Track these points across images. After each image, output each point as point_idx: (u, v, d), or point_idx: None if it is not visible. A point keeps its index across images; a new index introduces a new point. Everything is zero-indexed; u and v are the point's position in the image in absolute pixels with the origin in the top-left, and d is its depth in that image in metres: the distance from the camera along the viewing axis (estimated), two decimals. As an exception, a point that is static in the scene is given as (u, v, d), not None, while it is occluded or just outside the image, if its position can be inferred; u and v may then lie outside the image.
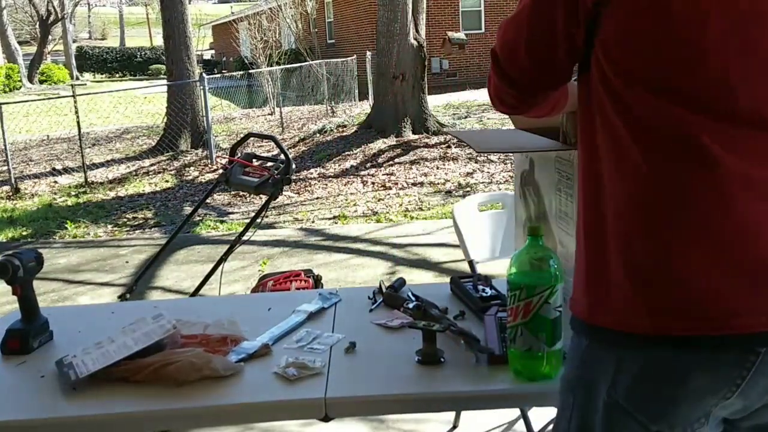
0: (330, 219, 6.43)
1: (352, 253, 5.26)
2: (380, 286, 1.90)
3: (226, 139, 11.37)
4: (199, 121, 10.53)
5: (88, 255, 5.67)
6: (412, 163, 8.61)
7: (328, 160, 9.19)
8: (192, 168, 9.56)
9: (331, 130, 10.87)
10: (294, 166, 3.00)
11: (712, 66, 0.93)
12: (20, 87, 25.43)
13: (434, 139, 9.61)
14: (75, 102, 9.04)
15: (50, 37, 31.76)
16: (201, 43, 26.96)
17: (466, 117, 12.01)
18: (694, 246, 0.94)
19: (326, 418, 1.37)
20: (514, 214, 2.48)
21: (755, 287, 0.93)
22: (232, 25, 23.89)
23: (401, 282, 1.95)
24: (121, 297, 3.05)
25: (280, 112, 13.22)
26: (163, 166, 9.80)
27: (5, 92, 23.55)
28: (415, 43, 9.94)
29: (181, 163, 9.90)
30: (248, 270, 4.83)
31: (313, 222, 6.36)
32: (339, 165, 8.87)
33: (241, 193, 7.45)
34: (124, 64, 33.61)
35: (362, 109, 13.27)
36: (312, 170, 8.75)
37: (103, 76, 33.39)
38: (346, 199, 7.22)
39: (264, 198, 2.93)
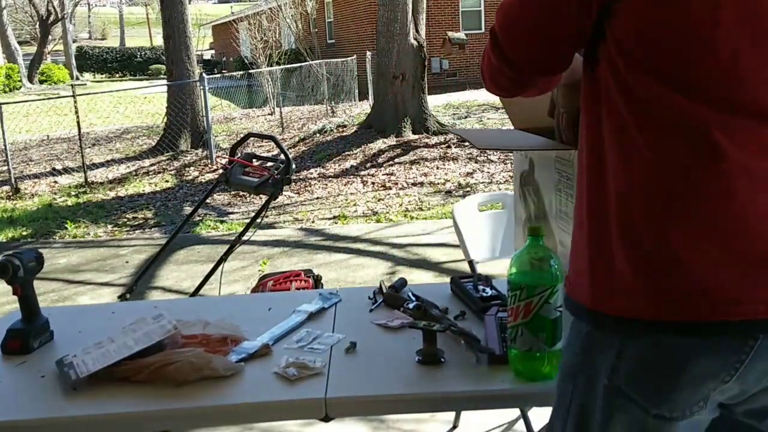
0: (330, 219, 6.43)
1: (352, 253, 5.26)
2: (380, 286, 1.90)
3: (226, 139, 11.37)
4: (199, 121, 10.53)
5: (88, 255, 5.67)
6: (412, 163, 8.61)
7: (328, 160, 9.19)
8: (192, 168, 9.56)
9: (331, 130, 10.87)
10: (294, 166, 3.00)
11: (723, 58, 0.94)
12: (20, 87, 25.43)
13: (434, 139, 9.61)
14: (75, 102, 9.04)
15: (50, 37, 31.76)
16: (201, 43, 26.96)
17: (466, 117, 12.01)
18: (697, 234, 0.95)
19: (326, 418, 1.37)
20: (513, 214, 2.48)
21: (756, 276, 0.95)
22: (232, 25, 23.89)
23: (402, 282, 1.95)
24: (121, 297, 3.05)
25: (280, 112, 13.22)
26: (163, 166, 9.80)
27: (5, 92, 23.55)
28: (415, 43, 9.94)
29: (181, 163, 9.90)
30: (248, 270, 4.83)
31: (313, 222, 6.36)
32: (339, 165, 8.87)
33: (241, 193, 7.45)
34: (124, 64, 33.62)
35: (362, 109, 13.27)
36: (312, 170, 8.75)
37: (103, 76, 33.39)
38: (346, 199, 7.22)
39: (264, 198, 2.93)
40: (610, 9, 0.98)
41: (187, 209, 7.25)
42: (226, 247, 3.01)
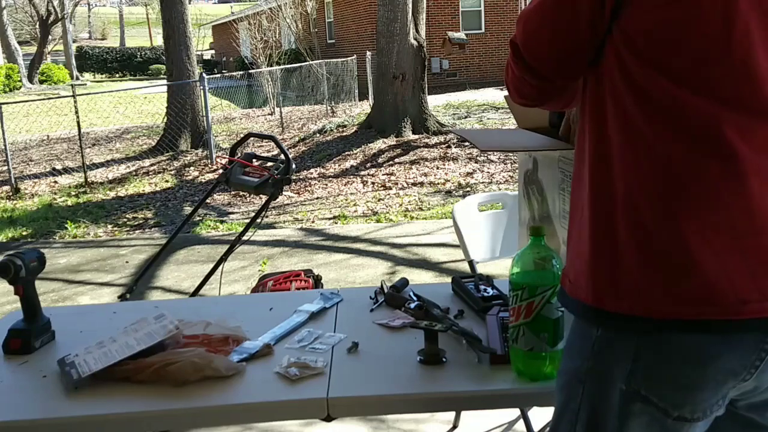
0: (330, 219, 6.43)
1: (352, 253, 5.26)
2: (382, 285, 1.90)
3: (226, 139, 11.37)
4: (199, 121, 10.53)
5: (88, 255, 5.67)
6: (412, 163, 8.61)
7: (328, 160, 9.19)
8: (192, 168, 9.56)
9: (331, 130, 10.87)
10: (294, 166, 3.00)
11: (737, 57, 0.94)
12: (20, 87, 25.43)
13: (434, 139, 9.61)
14: (75, 102, 9.03)
15: (50, 37, 31.76)
16: (201, 43, 26.96)
17: (466, 117, 12.01)
18: (710, 232, 0.95)
19: (328, 418, 1.37)
20: (514, 214, 2.48)
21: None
22: (232, 25, 23.90)
23: (404, 282, 1.94)
24: (121, 297, 3.05)
25: (280, 112, 13.22)
26: (163, 166, 9.80)
27: (5, 92, 23.55)
28: (415, 43, 9.94)
29: (181, 163, 9.90)
30: (248, 270, 4.83)
31: (313, 222, 6.36)
32: (339, 165, 8.87)
33: (241, 193, 7.45)
34: (124, 64, 33.62)
35: (362, 109, 13.28)
36: (312, 170, 8.75)
37: (103, 76, 33.39)
38: (346, 199, 7.22)
39: (264, 198, 2.93)
40: (618, 7, 0.98)
41: (187, 209, 7.25)
42: (226, 247, 3.01)
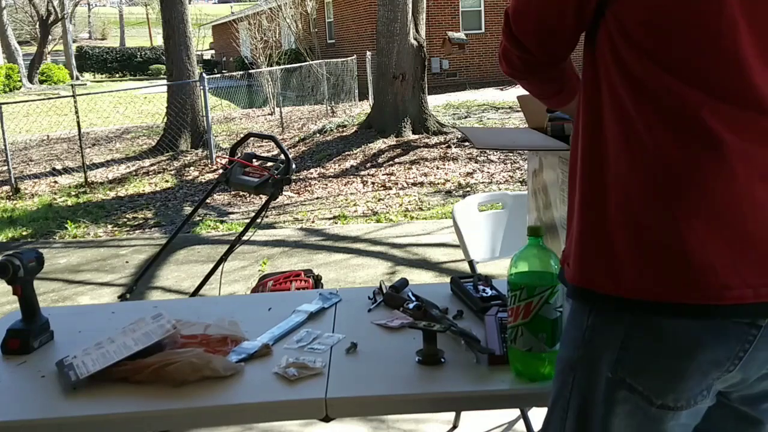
0: (330, 219, 6.43)
1: (352, 253, 5.26)
2: (381, 286, 1.90)
3: (226, 139, 11.38)
4: (199, 121, 10.53)
5: (88, 255, 5.67)
6: (412, 163, 8.61)
7: (328, 160, 9.19)
8: (192, 168, 9.56)
9: (331, 130, 10.87)
10: (294, 166, 3.00)
11: (725, 47, 0.95)
12: (20, 87, 25.44)
13: (434, 139, 9.61)
14: (75, 102, 9.04)
15: (50, 37, 31.77)
16: (201, 43, 26.97)
17: (466, 117, 12.01)
18: (699, 217, 0.96)
19: (327, 419, 1.37)
20: (514, 214, 2.48)
21: (759, 262, 0.96)
22: (232, 25, 23.90)
23: (404, 282, 1.94)
24: (121, 297, 3.05)
25: (280, 112, 13.23)
26: (163, 166, 9.80)
27: (5, 92, 23.55)
28: (415, 43, 9.94)
29: (181, 163, 9.90)
30: (248, 270, 4.83)
31: (313, 222, 6.36)
32: (339, 165, 8.88)
33: (241, 193, 7.46)
34: (124, 64, 33.63)
35: (362, 109, 13.28)
36: (312, 170, 8.75)
37: (103, 76, 33.40)
38: (346, 199, 7.22)
39: (264, 198, 2.93)
40: None
41: (187, 209, 7.25)
42: (226, 247, 3.01)
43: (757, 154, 0.96)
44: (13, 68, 25.65)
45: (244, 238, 3.02)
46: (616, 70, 1.01)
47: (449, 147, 9.10)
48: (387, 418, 2.66)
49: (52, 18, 30.37)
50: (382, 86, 10.19)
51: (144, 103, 15.09)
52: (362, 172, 8.40)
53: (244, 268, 4.89)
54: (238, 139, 3.36)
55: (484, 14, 18.48)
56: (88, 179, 8.95)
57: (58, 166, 9.88)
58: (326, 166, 8.87)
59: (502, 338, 1.48)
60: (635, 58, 0.99)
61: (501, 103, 13.43)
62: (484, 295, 1.78)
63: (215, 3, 59.28)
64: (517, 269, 1.34)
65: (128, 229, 6.60)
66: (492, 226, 2.64)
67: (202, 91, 9.91)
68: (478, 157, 8.45)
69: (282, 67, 14.92)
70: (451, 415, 2.62)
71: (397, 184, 7.75)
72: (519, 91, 1.44)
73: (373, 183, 7.89)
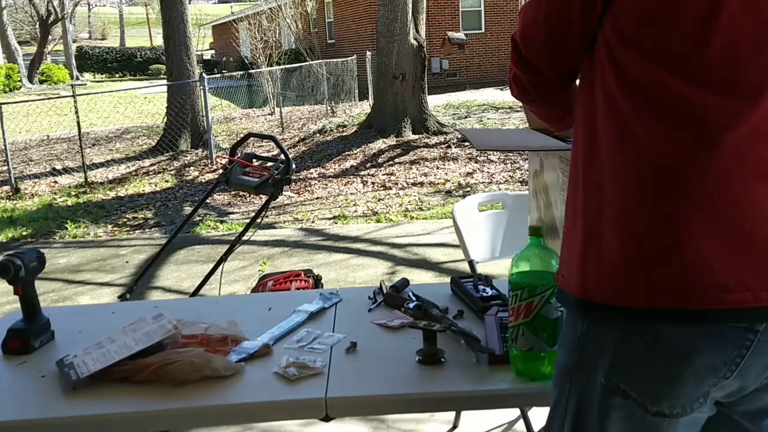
0: (330, 219, 6.43)
1: (352, 253, 5.26)
2: (381, 286, 1.90)
3: (226, 139, 11.38)
4: (199, 121, 10.53)
5: (88, 255, 5.67)
6: (412, 163, 8.61)
7: (328, 160, 9.19)
8: (192, 168, 9.56)
9: (331, 130, 10.87)
10: (294, 166, 3.00)
11: (723, 42, 0.94)
12: (20, 87, 25.44)
13: (434, 139, 9.62)
14: (75, 102, 9.04)
15: (50, 37, 31.77)
16: (201, 43, 26.98)
17: (466, 117, 12.01)
18: (694, 221, 0.95)
19: (327, 418, 1.37)
20: (514, 214, 2.48)
21: (758, 263, 0.94)
22: (232, 25, 23.91)
23: (404, 282, 1.94)
24: (121, 297, 3.05)
25: (280, 112, 13.23)
26: (163, 166, 9.80)
27: (5, 92, 23.55)
28: (415, 43, 9.94)
29: (181, 163, 9.90)
30: (248, 270, 4.83)
31: (313, 222, 6.36)
32: (339, 165, 8.88)
33: (241, 193, 7.46)
34: (124, 64, 33.63)
35: (362, 109, 13.28)
36: (312, 170, 8.75)
37: (103, 76, 33.40)
38: (346, 199, 7.22)
39: (264, 198, 2.93)
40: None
41: (187, 209, 7.25)
42: (226, 247, 3.01)
43: (755, 152, 0.95)
44: (13, 68, 25.65)
45: (244, 238, 3.02)
46: (611, 73, 1.00)
47: (449, 147, 9.10)
48: (387, 418, 2.66)
49: (52, 18, 30.37)
50: (382, 86, 10.19)
51: (144, 103, 15.09)
52: (362, 172, 8.40)
53: (244, 268, 4.89)
54: (238, 139, 3.37)
55: (484, 14, 18.48)
56: (88, 179, 8.95)
57: (58, 166, 9.89)
58: (326, 166, 8.87)
59: (503, 338, 1.48)
60: (631, 59, 0.98)
61: (501, 103, 13.43)
62: (485, 294, 1.78)
63: (215, 3, 59.30)
64: (518, 269, 1.34)
65: (128, 229, 6.60)
66: (492, 226, 2.64)
67: (202, 91, 9.92)
68: (478, 157, 8.45)
69: (282, 67, 14.93)
70: (451, 415, 2.62)
71: (397, 184, 7.75)
72: None
73: (373, 183, 7.89)
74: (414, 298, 1.79)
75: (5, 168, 8.81)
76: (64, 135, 12.40)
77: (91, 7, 49.82)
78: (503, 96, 14.59)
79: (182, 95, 10.48)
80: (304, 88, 15.24)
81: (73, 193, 8.44)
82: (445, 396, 1.41)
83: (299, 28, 18.61)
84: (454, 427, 2.60)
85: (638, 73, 0.98)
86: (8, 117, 9.24)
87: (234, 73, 17.77)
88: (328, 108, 13.80)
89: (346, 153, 9.38)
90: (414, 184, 7.69)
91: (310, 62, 15.04)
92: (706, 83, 0.95)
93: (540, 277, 1.32)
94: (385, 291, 1.87)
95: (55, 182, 9.15)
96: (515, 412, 2.50)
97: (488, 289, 1.81)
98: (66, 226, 6.63)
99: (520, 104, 1.94)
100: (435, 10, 17.11)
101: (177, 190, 8.34)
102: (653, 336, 0.97)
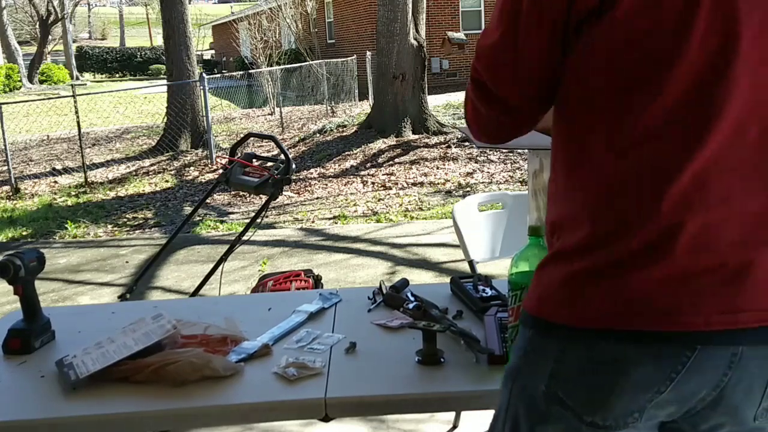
0: (330, 219, 6.43)
1: (352, 253, 5.26)
2: (380, 286, 1.90)
3: (226, 139, 11.38)
4: (199, 121, 10.53)
5: (88, 255, 5.68)
6: (412, 163, 8.62)
7: (328, 160, 9.19)
8: (192, 168, 9.56)
9: (331, 130, 10.88)
10: (294, 166, 3.00)
11: (687, 76, 0.91)
12: (20, 87, 25.44)
13: (434, 139, 9.62)
14: (75, 102, 9.04)
15: (50, 37, 31.77)
16: (201, 43, 26.99)
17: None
18: (637, 246, 0.94)
19: (326, 418, 1.37)
20: (514, 214, 2.48)
21: (695, 288, 0.93)
22: (232, 25, 23.91)
23: (404, 282, 1.95)
24: (121, 297, 3.06)
25: (280, 112, 13.23)
26: (163, 166, 9.81)
27: (5, 92, 23.56)
28: (415, 43, 9.94)
29: (181, 163, 9.90)
30: (248, 270, 4.83)
31: (313, 222, 6.37)
32: (339, 165, 8.88)
33: (241, 193, 7.46)
34: (124, 64, 33.62)
35: (362, 109, 13.28)
36: (312, 170, 8.76)
37: (103, 76, 33.40)
38: (346, 199, 7.22)
39: (264, 198, 2.94)
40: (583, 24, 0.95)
41: (187, 209, 7.25)
42: (226, 247, 3.01)
43: (710, 178, 0.92)
44: (13, 68, 25.65)
45: (244, 238, 3.03)
46: (574, 89, 0.98)
47: (449, 147, 9.10)
48: (387, 418, 2.67)
49: (52, 18, 30.37)
50: (382, 86, 10.20)
51: (144, 103, 15.09)
52: (362, 172, 8.40)
53: (244, 268, 4.89)
54: (238, 139, 3.37)
55: (484, 14, 18.48)
56: (88, 179, 8.96)
57: (58, 166, 9.89)
58: (326, 166, 8.87)
59: (502, 338, 1.48)
60: (593, 81, 0.95)
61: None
62: (484, 295, 1.78)
63: (215, 3, 59.30)
64: (517, 269, 1.34)
65: (128, 229, 6.60)
66: (492, 226, 2.65)
67: (202, 91, 9.92)
68: (478, 157, 8.45)
69: (282, 67, 14.93)
70: (451, 415, 2.62)
71: (397, 184, 7.76)
72: None
73: (373, 183, 7.90)
74: (413, 299, 1.79)
75: (5, 168, 8.82)
76: (64, 135, 12.41)
77: (91, 7, 49.82)
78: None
79: (182, 95, 10.48)
80: (304, 88, 15.24)
81: (73, 193, 8.44)
82: (445, 396, 1.41)
83: (299, 28, 18.61)
84: (454, 427, 2.60)
85: (601, 96, 0.96)
86: (8, 117, 9.24)
87: (234, 73, 17.77)
88: (328, 108, 13.80)
89: (346, 153, 9.39)
90: (414, 184, 7.69)
91: (310, 62, 15.05)
92: (667, 104, 0.92)
93: (539, 277, 1.32)
94: (384, 291, 1.87)
95: (55, 182, 9.16)
96: (515, 412, 2.49)
97: (488, 290, 1.82)
98: (66, 226, 6.63)
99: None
100: (435, 10, 17.11)
101: (177, 190, 8.34)
102: (590, 350, 0.97)
